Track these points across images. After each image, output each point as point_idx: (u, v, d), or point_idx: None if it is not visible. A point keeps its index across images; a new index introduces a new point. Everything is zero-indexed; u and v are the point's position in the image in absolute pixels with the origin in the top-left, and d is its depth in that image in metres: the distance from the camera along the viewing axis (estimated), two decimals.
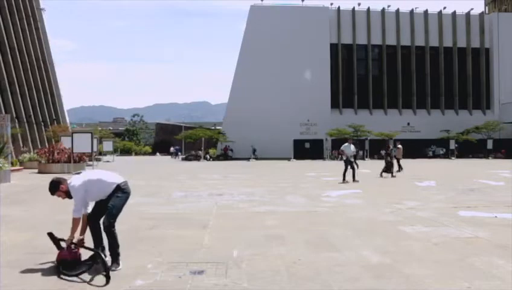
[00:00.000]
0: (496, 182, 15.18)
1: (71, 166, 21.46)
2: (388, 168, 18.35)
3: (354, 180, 15.47)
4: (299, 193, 12.10)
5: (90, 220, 4.78)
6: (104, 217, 4.75)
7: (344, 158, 16.31)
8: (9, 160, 18.31)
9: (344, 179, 15.40)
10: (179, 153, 52.20)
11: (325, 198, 11.03)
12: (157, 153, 63.90)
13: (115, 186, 4.78)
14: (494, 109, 48.72)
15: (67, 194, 4.72)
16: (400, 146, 24.00)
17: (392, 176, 18.04)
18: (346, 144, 16.62)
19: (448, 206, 9.44)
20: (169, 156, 52.83)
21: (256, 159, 40.03)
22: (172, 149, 54.99)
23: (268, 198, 10.99)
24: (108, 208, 4.72)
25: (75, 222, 4.61)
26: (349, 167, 15.83)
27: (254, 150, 41.83)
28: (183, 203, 10.02)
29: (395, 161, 23.03)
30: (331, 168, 24.59)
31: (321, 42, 45.59)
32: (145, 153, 65.02)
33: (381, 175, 18.21)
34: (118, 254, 4.71)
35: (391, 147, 19.88)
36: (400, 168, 21.89)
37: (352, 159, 16.26)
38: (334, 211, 8.82)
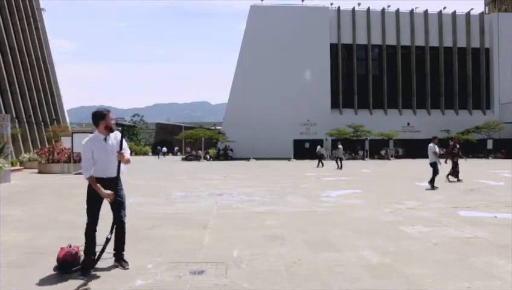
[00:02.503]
0: (496, 182, 15.17)
1: (71, 166, 21.46)
2: (454, 171, 15.69)
3: (432, 185, 13.13)
4: (299, 193, 12.10)
5: (90, 227, 4.59)
6: (120, 211, 4.64)
7: (434, 161, 13.41)
8: (9, 160, 18.31)
9: (449, 179, 13.34)
10: (177, 152, 52.35)
11: (325, 198, 11.03)
12: (150, 153, 63.92)
13: (116, 173, 4.63)
14: (494, 109, 48.73)
15: (108, 128, 4.65)
16: (340, 146, 26.40)
17: (459, 180, 15.38)
18: (432, 144, 13.68)
19: (448, 206, 9.43)
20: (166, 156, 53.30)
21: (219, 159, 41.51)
22: (165, 149, 55.99)
23: (269, 198, 10.98)
24: (120, 201, 4.63)
25: (91, 180, 4.52)
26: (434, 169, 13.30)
27: (218, 150, 43.66)
28: (183, 203, 10.02)
29: (339, 161, 24.94)
30: (331, 168, 24.59)
31: (321, 42, 45.60)
32: (144, 154, 65.01)
33: (447, 179, 15.32)
34: (123, 250, 4.75)
35: (458, 145, 16.58)
36: (340, 167, 24.47)
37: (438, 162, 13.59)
38: (334, 211, 8.81)
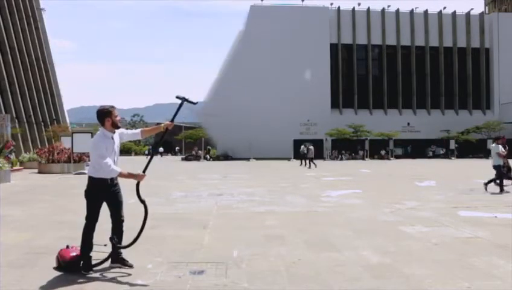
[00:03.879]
0: None
1: (71, 166, 21.46)
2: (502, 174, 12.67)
3: (502, 190, 11.80)
4: (299, 193, 12.10)
5: (90, 229, 4.52)
6: (120, 211, 4.66)
7: (499, 163, 12.05)
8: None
9: (503, 189, 11.75)
10: (177, 152, 52.41)
11: (325, 198, 11.03)
12: (147, 150, 63.91)
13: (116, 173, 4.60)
14: (494, 109, 48.75)
15: (114, 125, 4.58)
16: (311, 147, 27.90)
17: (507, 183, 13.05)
18: (495, 144, 12.32)
19: (448, 206, 9.43)
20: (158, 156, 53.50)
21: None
22: (161, 149, 56.24)
23: (269, 198, 10.98)
24: (120, 201, 4.66)
25: (122, 175, 4.50)
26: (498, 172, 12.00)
27: (209, 150, 45.68)
28: (183, 203, 10.01)
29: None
30: (331, 168, 24.60)
31: (321, 42, 45.60)
32: (144, 154, 64.90)
33: (498, 184, 12.23)
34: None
35: (506, 146, 13.34)
36: (309, 166, 25.80)
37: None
38: (334, 211, 8.81)
